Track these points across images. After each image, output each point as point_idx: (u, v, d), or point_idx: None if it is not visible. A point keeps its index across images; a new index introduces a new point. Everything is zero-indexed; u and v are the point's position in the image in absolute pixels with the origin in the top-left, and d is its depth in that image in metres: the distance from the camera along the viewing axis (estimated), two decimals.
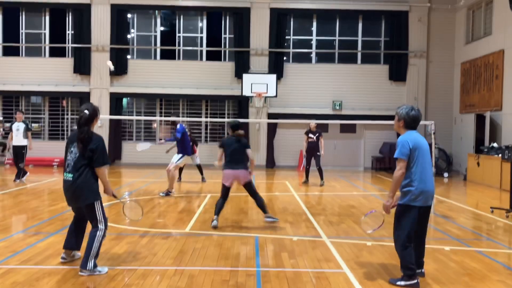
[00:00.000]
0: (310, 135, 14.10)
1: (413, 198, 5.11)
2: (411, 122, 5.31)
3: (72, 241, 5.72)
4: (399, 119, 5.38)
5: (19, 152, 13.76)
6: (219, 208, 8.09)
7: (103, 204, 5.60)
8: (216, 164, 8.34)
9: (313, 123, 14.10)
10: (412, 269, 5.13)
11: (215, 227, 7.89)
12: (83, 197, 5.40)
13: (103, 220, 5.48)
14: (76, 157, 5.40)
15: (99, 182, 5.52)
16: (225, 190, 8.12)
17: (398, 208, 5.25)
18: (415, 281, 5.13)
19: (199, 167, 14.65)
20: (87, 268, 5.32)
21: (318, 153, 14.08)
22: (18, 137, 13.72)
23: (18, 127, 13.77)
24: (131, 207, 6.74)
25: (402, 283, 5.16)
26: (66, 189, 5.48)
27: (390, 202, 5.26)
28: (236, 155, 8.04)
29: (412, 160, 5.13)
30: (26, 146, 13.78)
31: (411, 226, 5.15)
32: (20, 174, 13.81)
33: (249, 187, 8.14)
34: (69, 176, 5.42)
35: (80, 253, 5.84)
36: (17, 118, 14.08)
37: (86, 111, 5.43)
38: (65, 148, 5.61)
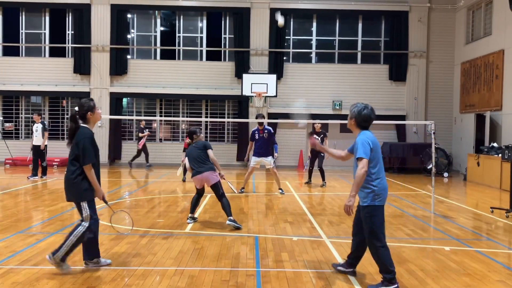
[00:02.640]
0: (315, 135, 14.08)
1: (376, 198, 5.03)
2: (361, 121, 5.22)
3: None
4: (351, 117, 5.30)
5: (39, 151, 14.53)
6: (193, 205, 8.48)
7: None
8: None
9: (318, 124, 14.08)
10: (392, 272, 5.00)
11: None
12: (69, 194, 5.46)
13: (89, 219, 5.40)
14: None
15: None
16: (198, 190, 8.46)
17: (365, 210, 5.09)
18: (396, 285, 5.00)
19: None
20: (54, 256, 5.31)
21: (322, 154, 14.06)
22: (37, 137, 14.57)
23: (37, 128, 14.61)
24: (119, 219, 6.53)
25: None
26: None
27: (352, 202, 5.01)
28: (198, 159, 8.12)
29: (373, 159, 5.05)
30: (45, 145, 14.62)
31: (381, 226, 5.08)
32: (45, 171, 14.78)
33: (215, 189, 8.11)
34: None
35: (105, 260, 5.80)
36: (35, 119, 14.87)
37: (75, 108, 5.58)
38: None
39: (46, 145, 14.52)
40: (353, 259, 5.51)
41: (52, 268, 5.57)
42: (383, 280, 5.07)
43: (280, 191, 12.30)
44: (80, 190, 5.35)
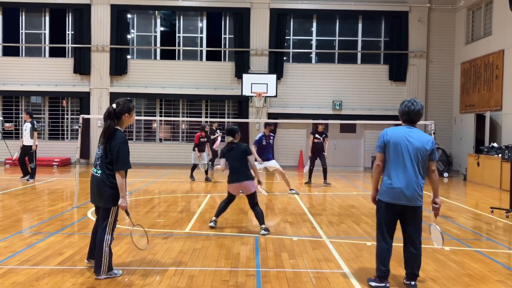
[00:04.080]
0: (317, 135, 14.16)
1: (381, 192, 5.08)
2: (400, 115, 5.29)
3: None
4: None
5: (28, 152, 13.98)
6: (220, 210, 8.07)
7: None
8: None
9: (321, 124, 14.16)
10: (380, 270, 5.00)
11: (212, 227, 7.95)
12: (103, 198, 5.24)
13: (112, 225, 5.31)
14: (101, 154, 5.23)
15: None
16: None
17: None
18: (383, 284, 4.99)
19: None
20: (101, 273, 5.22)
21: (323, 153, 14.17)
22: (26, 137, 14.02)
23: (26, 127, 14.09)
24: (138, 236, 6.03)
25: (373, 284, 5.08)
26: (91, 184, 5.36)
27: (373, 194, 5.24)
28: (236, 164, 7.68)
29: (387, 154, 5.07)
30: (35, 145, 14.03)
31: (380, 221, 5.11)
32: (34, 173, 14.06)
33: (251, 198, 7.75)
34: (94, 171, 5.29)
35: None
36: (25, 118, 14.40)
37: (113, 105, 5.28)
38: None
39: (36, 145, 13.92)
40: (407, 270, 5.16)
41: (52, 268, 5.58)
42: (375, 276, 5.15)
43: (292, 191, 12.27)
44: (117, 195, 5.19)
